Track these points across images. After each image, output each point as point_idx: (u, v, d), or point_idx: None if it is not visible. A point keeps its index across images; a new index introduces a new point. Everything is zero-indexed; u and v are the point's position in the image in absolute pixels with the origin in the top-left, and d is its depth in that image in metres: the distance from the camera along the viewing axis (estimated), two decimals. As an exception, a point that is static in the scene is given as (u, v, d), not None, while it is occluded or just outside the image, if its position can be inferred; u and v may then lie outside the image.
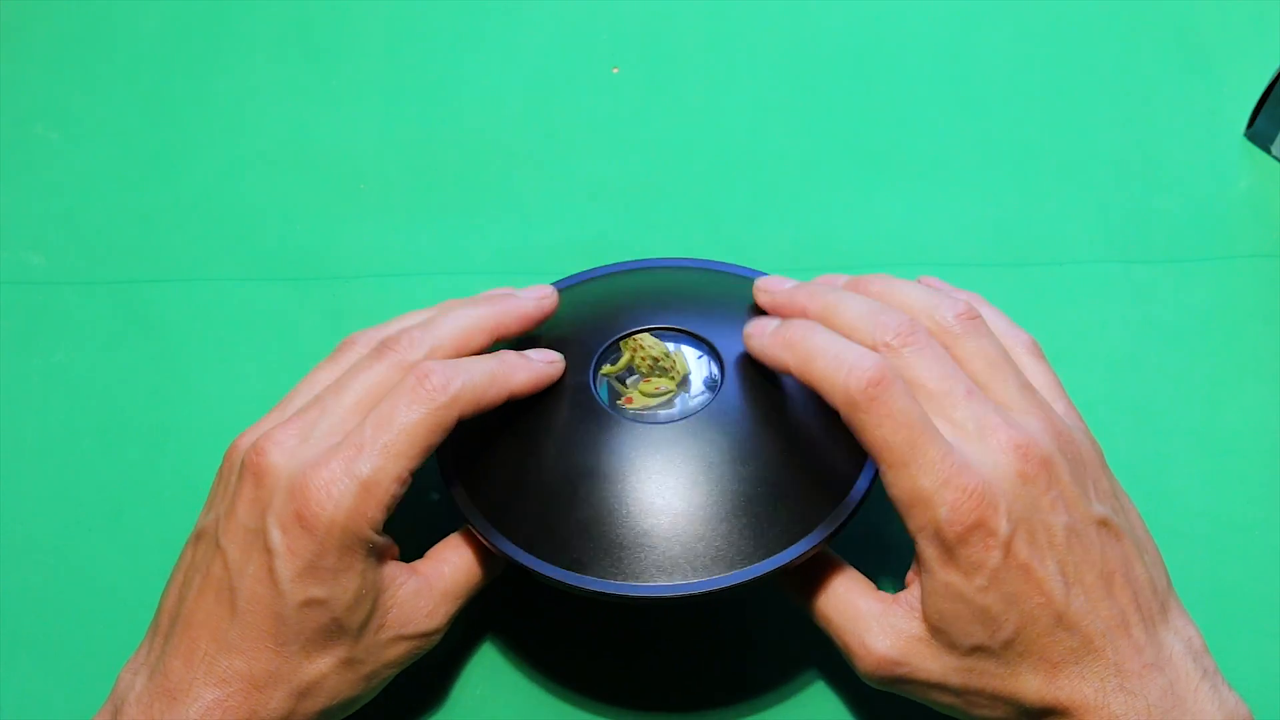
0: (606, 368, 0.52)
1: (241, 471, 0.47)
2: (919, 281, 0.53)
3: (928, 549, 0.45)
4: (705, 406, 0.50)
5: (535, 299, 0.53)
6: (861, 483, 0.49)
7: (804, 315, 0.49)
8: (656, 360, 0.52)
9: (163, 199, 0.66)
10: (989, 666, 0.45)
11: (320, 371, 0.51)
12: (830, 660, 0.53)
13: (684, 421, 0.50)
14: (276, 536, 0.46)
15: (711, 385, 0.52)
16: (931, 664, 0.46)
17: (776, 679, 0.53)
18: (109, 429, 0.60)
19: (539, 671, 0.54)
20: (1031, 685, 0.45)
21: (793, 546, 0.48)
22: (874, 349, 0.47)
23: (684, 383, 0.52)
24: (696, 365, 0.52)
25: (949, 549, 0.44)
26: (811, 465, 0.49)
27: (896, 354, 0.47)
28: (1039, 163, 0.66)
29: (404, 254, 0.64)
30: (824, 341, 0.47)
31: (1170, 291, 0.62)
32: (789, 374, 0.48)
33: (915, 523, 0.45)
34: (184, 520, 0.54)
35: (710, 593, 0.48)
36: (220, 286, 0.64)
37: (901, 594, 0.47)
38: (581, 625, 0.55)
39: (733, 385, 0.51)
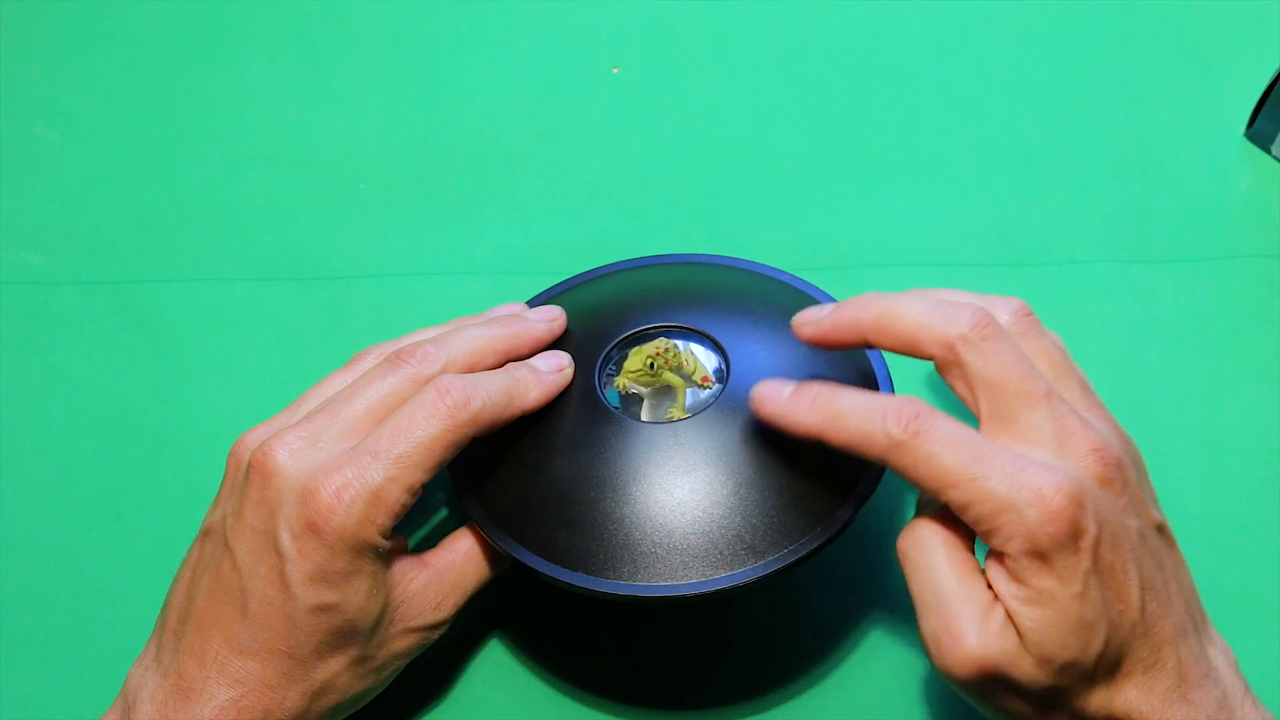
0: (629, 376, 0.52)
1: (249, 471, 0.47)
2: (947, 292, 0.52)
3: (1021, 559, 0.43)
4: (712, 404, 0.50)
5: (546, 322, 0.53)
6: (871, 474, 0.49)
7: (857, 328, 0.47)
8: (680, 366, 0.52)
9: (163, 199, 0.66)
10: (1077, 684, 0.43)
11: (332, 378, 0.52)
12: (838, 660, 0.53)
13: (690, 420, 0.50)
14: (287, 540, 0.46)
15: (719, 379, 0.52)
16: (1023, 676, 0.43)
17: (783, 678, 0.53)
18: (109, 429, 0.60)
19: (542, 671, 0.54)
20: (1102, 698, 0.44)
21: (803, 541, 0.48)
22: (947, 344, 0.45)
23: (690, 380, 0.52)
24: (704, 360, 0.52)
25: (1043, 554, 0.42)
26: (820, 460, 0.49)
27: (974, 348, 0.45)
28: (1039, 163, 0.66)
29: (404, 254, 0.64)
30: (850, 399, 0.45)
31: (1170, 291, 0.62)
32: (817, 439, 0.46)
33: (1006, 533, 0.43)
34: (184, 520, 0.54)
35: (722, 591, 0.48)
36: (220, 286, 0.64)
37: (999, 593, 0.44)
38: (585, 624, 0.55)
39: (738, 381, 0.51)
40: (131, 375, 0.61)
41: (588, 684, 0.54)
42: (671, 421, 0.50)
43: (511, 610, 0.55)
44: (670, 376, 0.52)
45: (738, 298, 0.54)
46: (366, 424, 0.48)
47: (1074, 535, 0.42)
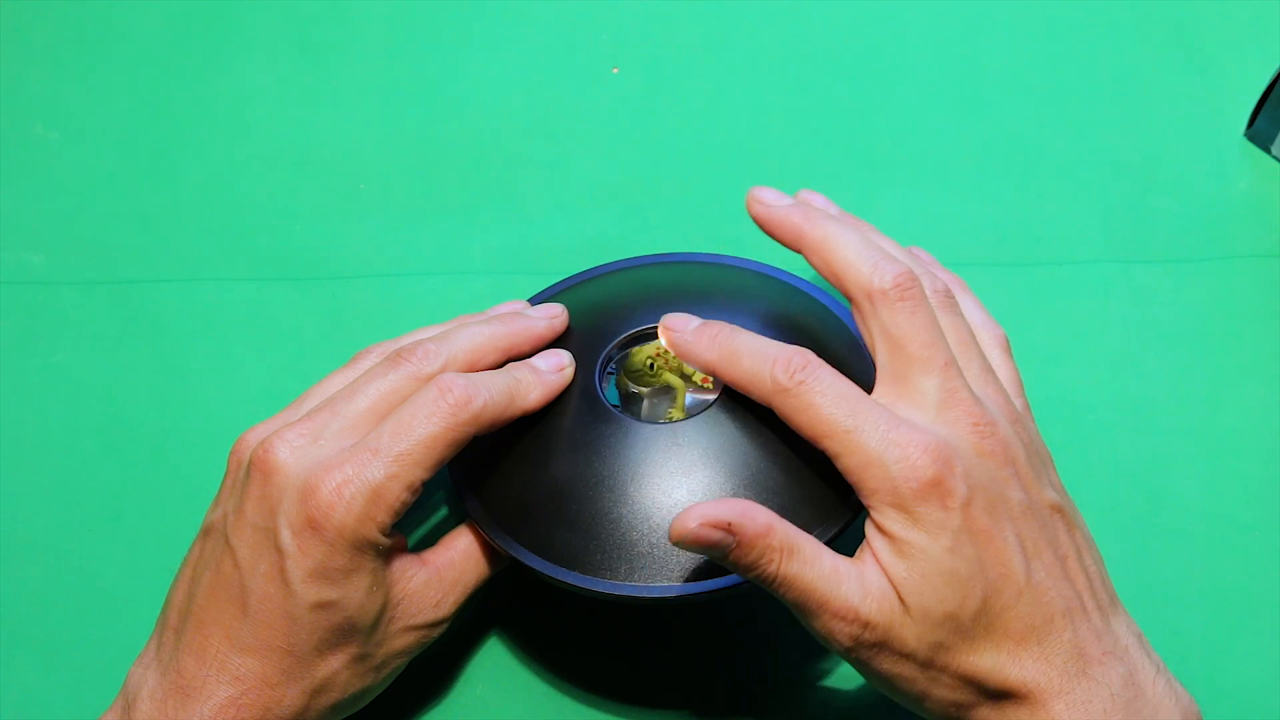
0: (629, 376, 0.52)
1: (250, 469, 0.47)
2: (910, 251, 0.54)
3: (888, 512, 0.44)
4: (711, 405, 0.50)
5: (547, 320, 0.53)
6: None
7: (798, 237, 0.49)
8: (680, 366, 0.52)
9: (163, 199, 0.66)
10: (956, 640, 0.44)
11: (333, 377, 0.52)
12: (837, 659, 0.53)
13: (690, 421, 0.50)
14: (287, 537, 0.46)
15: (717, 381, 0.52)
16: (906, 630, 0.44)
17: (782, 679, 0.53)
18: (109, 429, 0.60)
19: (541, 670, 0.54)
20: (994, 662, 0.44)
21: None
22: (867, 292, 0.47)
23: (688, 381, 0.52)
24: None
25: (908, 508, 0.44)
26: (819, 462, 0.49)
27: (890, 305, 0.47)
28: (1039, 163, 0.66)
29: (404, 254, 0.64)
30: (748, 341, 0.48)
31: (1170, 291, 0.62)
32: (712, 373, 0.49)
33: (870, 486, 0.45)
34: (184, 520, 0.54)
35: (719, 592, 0.48)
36: (220, 286, 0.64)
37: (864, 558, 0.45)
38: (583, 623, 0.55)
39: None
40: (131, 375, 0.61)
41: (586, 683, 0.54)
42: (671, 422, 0.50)
43: (511, 609, 0.55)
44: (670, 377, 0.52)
45: (738, 298, 0.54)
46: (367, 422, 0.48)
47: (940, 494, 0.44)
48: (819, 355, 0.51)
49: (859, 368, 0.51)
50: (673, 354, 0.52)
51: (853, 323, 0.54)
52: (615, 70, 0.69)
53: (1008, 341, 0.52)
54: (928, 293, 0.48)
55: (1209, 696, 0.52)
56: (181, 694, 0.46)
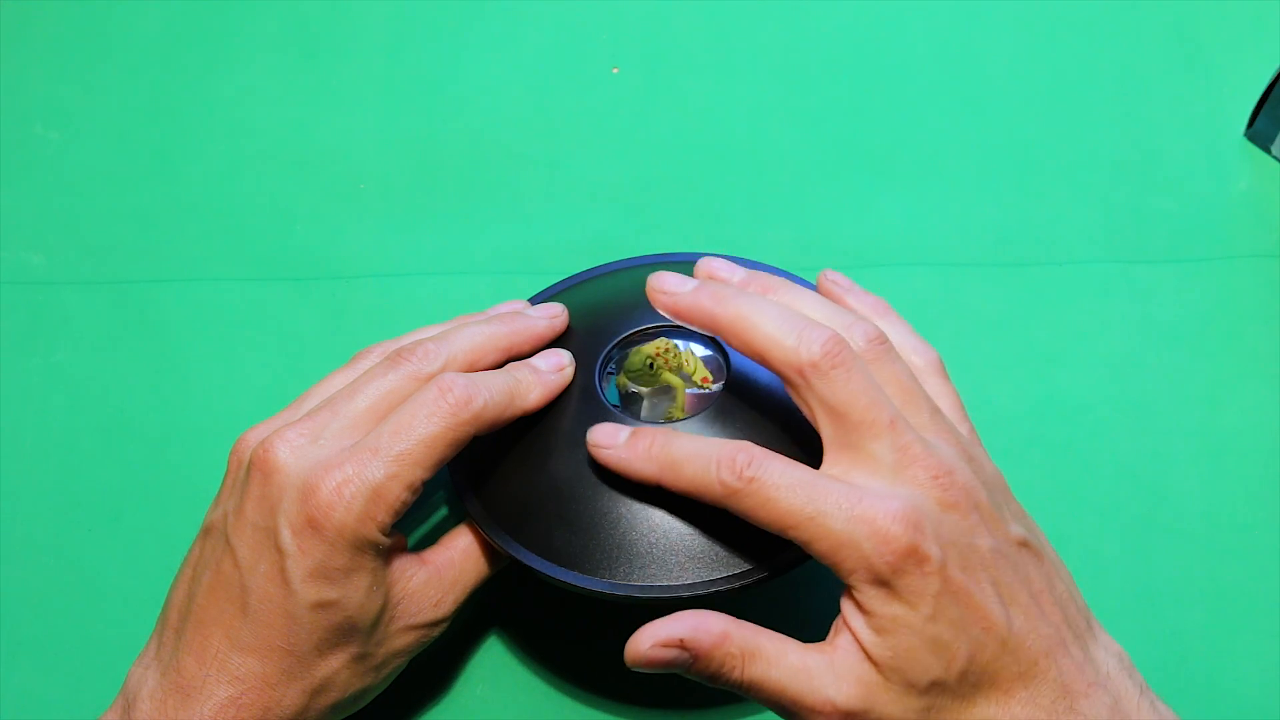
0: (628, 375, 0.52)
1: (250, 468, 0.47)
2: (822, 278, 0.53)
3: (866, 590, 0.43)
4: (711, 404, 0.50)
5: (547, 319, 0.53)
6: None
7: (712, 322, 0.47)
8: (680, 365, 0.52)
9: (163, 199, 0.66)
10: (947, 703, 0.44)
11: (334, 377, 0.52)
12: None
13: (690, 420, 0.50)
14: (287, 537, 0.46)
15: (718, 378, 0.52)
16: (893, 708, 0.43)
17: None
18: (109, 429, 0.60)
19: (540, 669, 0.54)
20: (984, 714, 0.44)
21: None
22: (797, 368, 0.45)
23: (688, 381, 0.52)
24: (704, 360, 0.52)
25: (886, 582, 0.43)
26: (819, 459, 0.49)
27: (823, 375, 0.45)
28: (1039, 163, 0.66)
29: (404, 254, 0.64)
30: (684, 445, 0.46)
31: (1170, 291, 0.62)
32: (656, 484, 0.47)
33: (846, 567, 0.43)
34: (184, 520, 0.54)
35: (717, 593, 0.48)
36: (220, 286, 0.64)
37: (838, 641, 0.44)
38: (583, 623, 0.55)
39: (738, 381, 0.51)
40: (131, 375, 0.62)
41: (586, 683, 0.54)
42: (671, 421, 0.50)
43: (510, 609, 0.55)
44: (670, 376, 0.52)
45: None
46: (368, 421, 0.48)
47: (916, 560, 0.42)
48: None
49: None
50: (672, 354, 0.52)
51: None
52: (615, 70, 0.69)
53: (941, 363, 0.51)
54: (860, 345, 0.47)
55: (1209, 696, 0.52)
56: (181, 694, 0.46)
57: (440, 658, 0.54)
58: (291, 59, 0.70)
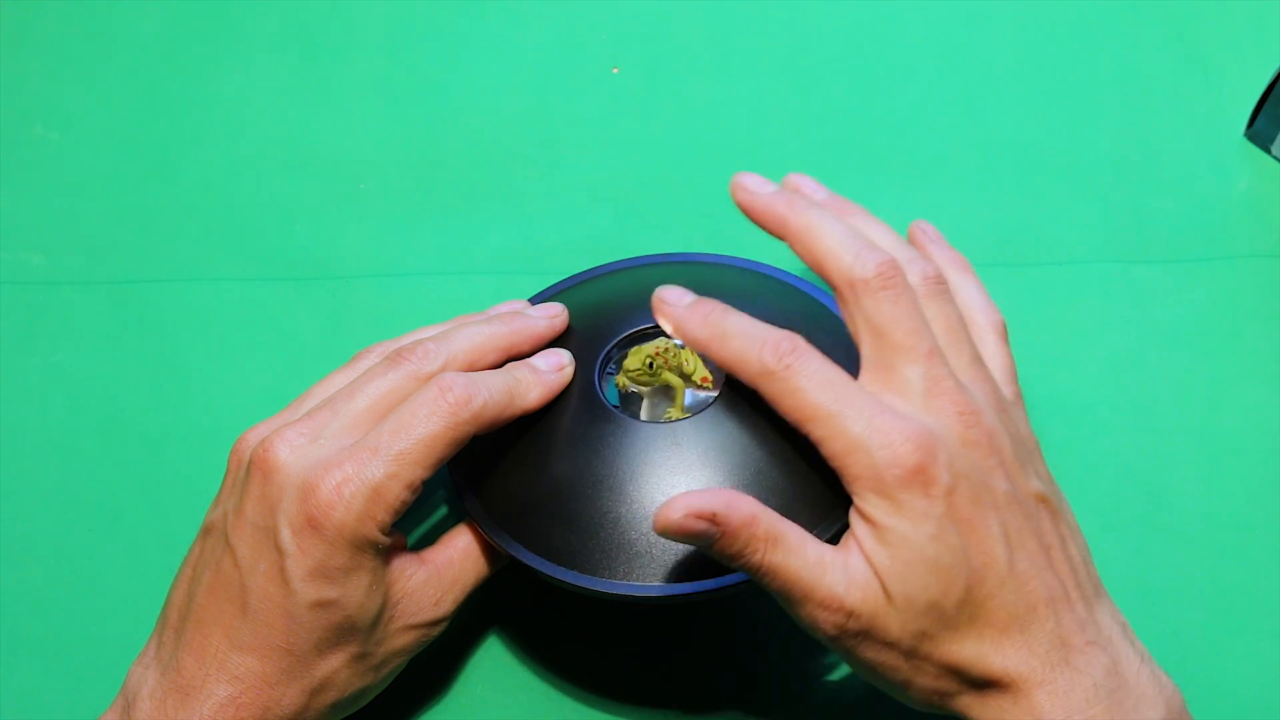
0: (628, 375, 0.52)
1: (250, 468, 0.47)
2: (913, 226, 0.55)
3: (870, 498, 0.44)
4: (710, 404, 0.50)
5: (547, 319, 0.53)
6: None
7: (782, 226, 0.49)
8: (680, 365, 0.52)
9: (163, 199, 0.66)
10: (939, 629, 0.44)
11: (334, 376, 0.52)
12: (836, 659, 0.53)
13: (689, 420, 0.50)
14: (287, 536, 0.46)
15: (719, 378, 0.52)
16: (890, 619, 0.44)
17: (782, 678, 0.53)
18: (109, 429, 0.60)
19: (540, 669, 0.54)
20: (977, 651, 0.44)
21: None
22: (849, 282, 0.47)
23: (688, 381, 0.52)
24: (704, 360, 0.52)
25: (891, 495, 0.44)
26: (818, 462, 0.49)
27: (872, 294, 0.46)
28: (1039, 163, 0.66)
29: (404, 254, 0.64)
30: (738, 322, 0.48)
31: (1170, 291, 0.62)
32: (701, 350, 0.48)
33: (853, 472, 0.45)
34: (184, 520, 0.54)
35: (717, 592, 0.48)
36: (220, 286, 0.64)
37: (849, 546, 0.45)
38: (582, 623, 0.55)
39: (738, 382, 0.51)
40: (131, 375, 0.61)
41: (586, 683, 0.54)
42: (670, 421, 0.50)
43: (509, 609, 0.55)
44: (669, 376, 0.52)
45: (738, 298, 0.54)
46: (367, 421, 0.48)
47: (924, 481, 0.44)
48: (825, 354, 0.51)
49: (856, 371, 0.51)
50: (672, 354, 0.52)
51: None
52: (615, 70, 0.69)
53: (1004, 327, 0.52)
54: (916, 280, 0.48)
55: (1209, 696, 0.52)
56: (181, 693, 0.46)
57: (440, 658, 0.54)
58: (291, 59, 0.70)
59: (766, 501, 0.48)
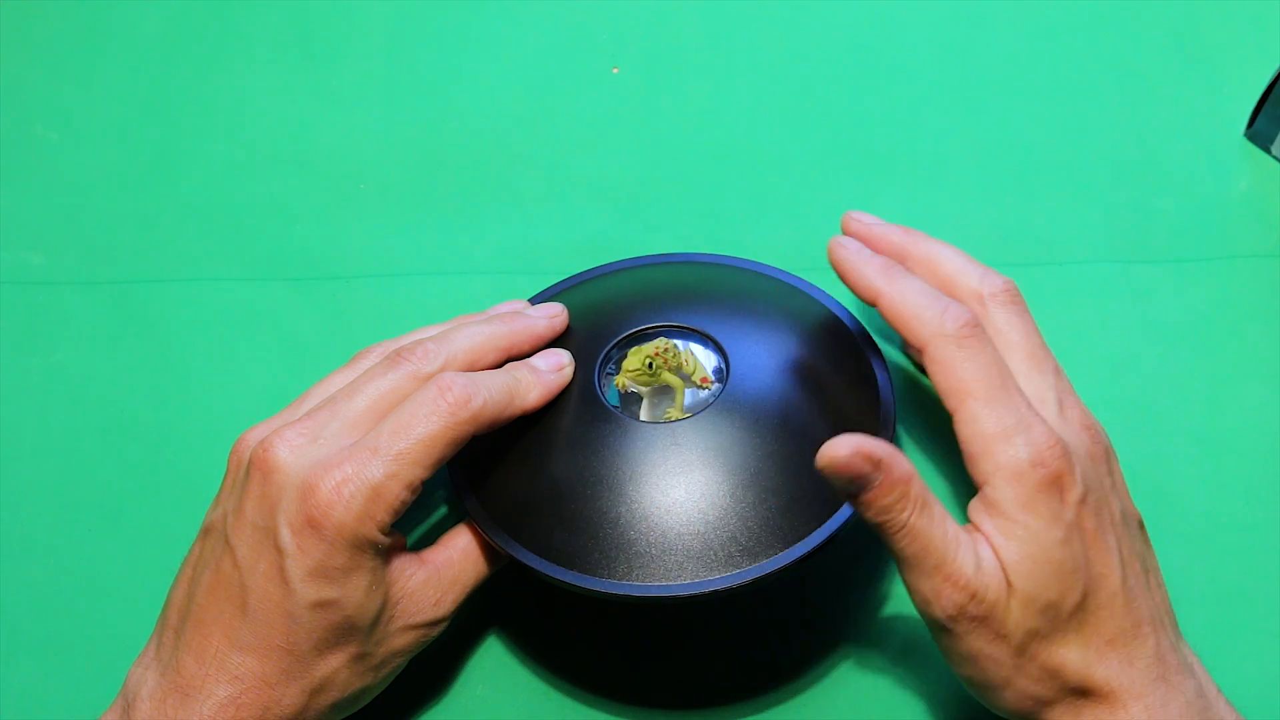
0: (627, 375, 0.52)
1: (249, 468, 0.47)
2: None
3: (1006, 489, 0.45)
4: (710, 404, 0.50)
5: (547, 319, 0.53)
6: None
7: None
8: (679, 366, 0.52)
9: (163, 199, 0.66)
10: (1051, 631, 0.45)
11: (334, 376, 0.52)
12: (836, 659, 0.53)
13: (689, 420, 0.50)
14: (286, 536, 0.46)
15: (719, 378, 0.52)
16: (1008, 612, 0.45)
17: (782, 678, 0.53)
18: (109, 429, 0.60)
19: (540, 669, 0.54)
20: (1082, 658, 0.45)
21: (799, 544, 0.48)
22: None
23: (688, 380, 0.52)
24: (704, 360, 0.52)
25: (1030, 493, 0.45)
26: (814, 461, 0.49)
27: (1001, 307, 0.50)
28: (1039, 163, 0.66)
29: (404, 254, 0.64)
30: (920, 283, 0.49)
31: (1170, 291, 0.62)
32: (872, 300, 0.49)
33: (997, 460, 0.45)
34: (184, 520, 0.54)
35: (716, 593, 0.48)
36: (220, 286, 0.64)
37: (973, 531, 0.46)
38: (582, 623, 0.55)
39: (738, 379, 0.51)
40: (131, 375, 0.62)
41: (585, 683, 0.54)
42: (670, 421, 0.50)
43: (509, 609, 0.55)
44: (669, 376, 0.52)
45: (738, 298, 0.54)
46: (367, 421, 0.48)
47: (1059, 485, 0.45)
48: (819, 356, 0.52)
49: (856, 372, 0.51)
50: (671, 354, 0.52)
51: (853, 323, 0.54)
52: (615, 70, 0.69)
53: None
54: (998, 288, 0.51)
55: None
56: (181, 693, 0.46)
57: (440, 658, 0.54)
58: (291, 59, 0.70)
59: (766, 501, 0.48)
